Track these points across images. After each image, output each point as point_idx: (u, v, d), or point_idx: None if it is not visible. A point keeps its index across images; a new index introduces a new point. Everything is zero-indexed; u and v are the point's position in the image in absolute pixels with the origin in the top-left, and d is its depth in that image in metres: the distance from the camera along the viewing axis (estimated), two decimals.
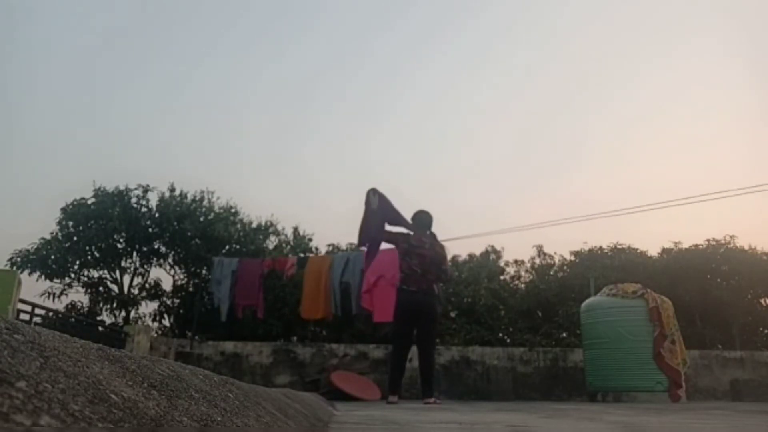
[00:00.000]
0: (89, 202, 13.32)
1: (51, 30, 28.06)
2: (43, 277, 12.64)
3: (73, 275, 13.19)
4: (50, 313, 8.52)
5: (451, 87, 32.80)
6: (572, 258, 17.63)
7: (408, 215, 5.72)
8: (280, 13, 31.54)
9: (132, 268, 13.83)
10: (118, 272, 13.65)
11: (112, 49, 29.79)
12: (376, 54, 32.45)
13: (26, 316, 7.04)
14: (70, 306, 13.10)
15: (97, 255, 13.16)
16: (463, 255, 18.85)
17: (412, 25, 32.61)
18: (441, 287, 5.39)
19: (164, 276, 15.64)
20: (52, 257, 12.65)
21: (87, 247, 12.95)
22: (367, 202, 5.89)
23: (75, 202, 13.29)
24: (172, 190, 14.31)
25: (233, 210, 14.49)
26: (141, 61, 30.52)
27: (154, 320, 14.00)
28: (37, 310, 7.43)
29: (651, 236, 27.73)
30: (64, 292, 13.06)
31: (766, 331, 16.15)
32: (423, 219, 5.52)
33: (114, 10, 28.72)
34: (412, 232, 5.50)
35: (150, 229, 13.62)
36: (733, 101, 29.91)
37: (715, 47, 30.14)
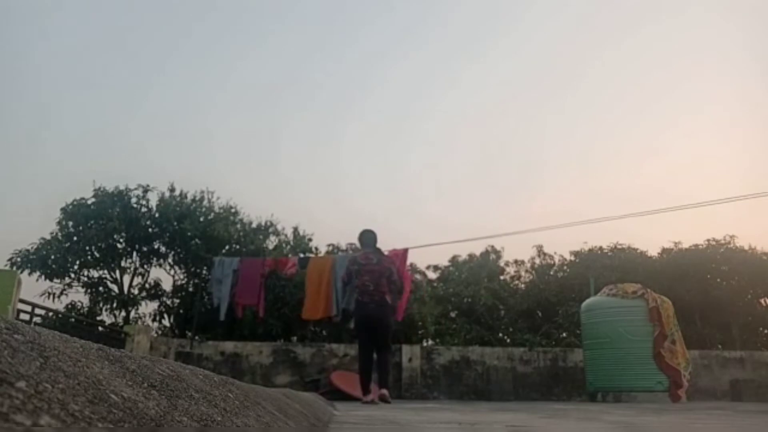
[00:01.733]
0: (89, 202, 13.31)
1: (49, 32, 28.07)
2: (43, 277, 12.63)
3: (73, 275, 13.18)
4: (50, 313, 8.53)
5: (424, 88, 32.91)
6: (572, 258, 17.63)
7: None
8: (274, 14, 31.57)
9: (132, 268, 13.82)
10: (118, 272, 13.64)
11: (113, 51, 29.81)
12: (346, 60, 32.52)
13: (26, 316, 7.04)
14: (70, 306, 13.09)
15: (97, 255, 13.15)
16: (463, 255, 18.90)
17: (392, 26, 32.70)
18: (396, 297, 5.92)
19: (164, 276, 15.64)
20: (52, 257, 12.64)
21: (87, 247, 12.94)
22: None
23: (75, 202, 13.27)
24: (172, 190, 14.30)
25: (233, 210, 14.48)
26: (143, 62, 30.54)
27: (154, 320, 14.00)
28: (37, 310, 7.43)
29: (651, 236, 27.77)
30: (64, 292, 13.06)
31: (766, 331, 16.14)
32: (368, 238, 6.07)
33: (122, 11, 28.75)
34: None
35: (150, 229, 13.60)
36: (730, 99, 29.95)
37: (711, 42, 30.16)
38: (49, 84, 29.49)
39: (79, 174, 29.22)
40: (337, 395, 9.92)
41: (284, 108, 32.28)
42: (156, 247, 13.86)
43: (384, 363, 5.80)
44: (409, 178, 32.04)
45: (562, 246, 23.72)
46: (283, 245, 14.62)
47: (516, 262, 18.45)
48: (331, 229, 29.37)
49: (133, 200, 13.62)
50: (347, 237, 15.41)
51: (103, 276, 13.58)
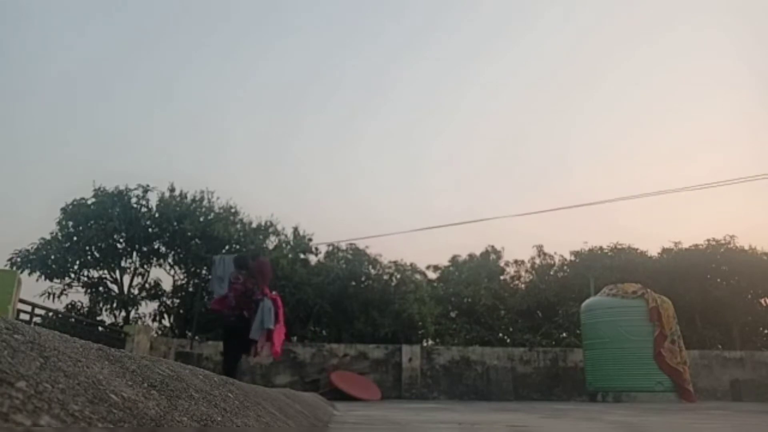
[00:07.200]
0: (89, 202, 13.29)
1: (50, 34, 28.07)
2: (43, 277, 12.62)
3: (73, 275, 13.17)
4: (50, 313, 8.51)
5: (441, 87, 32.96)
6: (572, 258, 17.63)
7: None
8: (273, 15, 31.58)
9: (132, 268, 13.81)
10: (118, 272, 13.63)
11: (111, 53, 29.80)
12: (366, 57, 32.70)
13: (26, 316, 7.03)
14: (70, 306, 13.08)
15: (97, 255, 13.14)
16: (464, 255, 18.90)
17: (404, 27, 32.81)
18: (263, 309, 6.70)
19: (164, 276, 15.62)
20: (52, 257, 12.63)
21: (87, 247, 12.93)
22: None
23: (75, 202, 13.26)
24: (172, 190, 14.28)
25: (233, 210, 14.46)
26: (141, 64, 30.52)
27: (154, 320, 13.99)
28: (37, 310, 7.42)
29: (651, 236, 27.77)
30: (64, 292, 13.04)
31: (766, 331, 16.15)
32: (239, 261, 7.04)
33: (116, 17, 28.75)
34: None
35: (150, 229, 13.59)
36: (732, 100, 29.94)
37: (715, 43, 30.17)
38: (50, 86, 29.48)
39: (81, 174, 29.25)
40: (337, 395, 9.92)
41: (301, 107, 32.45)
42: (156, 247, 13.84)
43: (229, 367, 6.63)
44: (424, 176, 32.19)
45: (563, 246, 23.75)
46: (283, 245, 14.61)
47: (516, 262, 18.45)
48: (339, 226, 29.30)
49: (133, 200, 13.60)
50: (355, 233, 15.43)
51: (103, 276, 13.57)
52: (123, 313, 13.40)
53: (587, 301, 11.09)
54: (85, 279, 13.39)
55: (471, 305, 16.32)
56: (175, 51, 31.72)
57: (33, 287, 12.50)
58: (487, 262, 18.21)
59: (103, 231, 12.84)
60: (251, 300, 6.54)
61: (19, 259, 12.48)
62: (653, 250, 17.00)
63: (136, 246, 13.58)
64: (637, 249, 17.17)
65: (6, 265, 12.16)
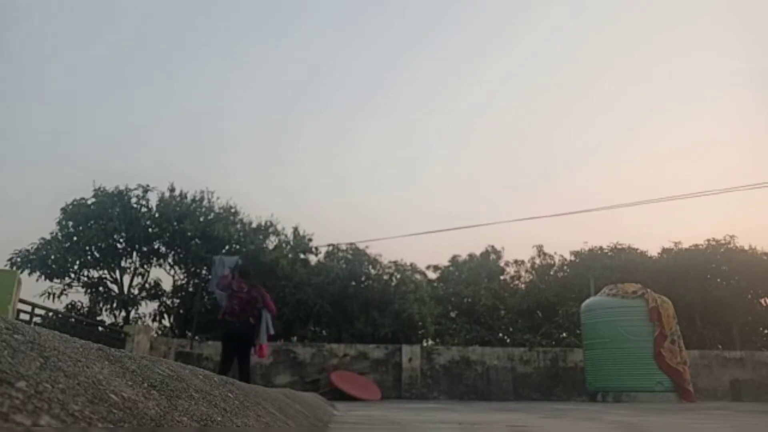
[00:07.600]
0: (89, 202, 13.29)
1: (51, 34, 28.08)
2: (43, 277, 12.62)
3: (73, 275, 13.17)
4: (50, 313, 8.52)
5: (442, 87, 33.00)
6: (572, 258, 17.63)
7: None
8: (273, 16, 31.59)
9: (132, 268, 13.81)
10: (118, 272, 13.63)
11: (112, 53, 29.81)
12: (366, 57, 32.78)
13: (26, 316, 7.03)
14: (70, 306, 13.08)
15: (97, 255, 13.14)
16: (464, 255, 18.91)
17: (405, 27, 32.84)
18: (261, 319, 6.96)
19: (164, 276, 15.63)
20: (52, 257, 12.63)
21: (87, 247, 12.93)
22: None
23: (75, 202, 13.26)
24: (172, 190, 14.28)
25: (233, 210, 14.46)
26: (140, 65, 30.53)
27: (154, 320, 13.99)
28: (37, 310, 7.42)
29: (651, 236, 27.78)
30: (64, 292, 13.05)
31: (766, 331, 16.15)
32: (244, 270, 7.27)
33: (114, 19, 28.76)
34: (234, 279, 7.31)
35: (150, 229, 13.59)
36: (732, 100, 29.95)
37: (715, 43, 30.17)
38: (51, 86, 29.49)
39: (81, 174, 29.25)
40: (337, 395, 9.93)
41: (302, 107, 32.52)
42: (156, 247, 13.84)
43: (246, 373, 6.88)
44: (424, 176, 32.26)
45: (562, 246, 23.77)
46: (283, 245, 14.60)
47: (516, 262, 18.46)
48: (340, 226, 29.29)
49: (133, 200, 13.60)
50: (355, 233, 15.42)
51: (103, 276, 13.57)
52: (123, 313, 13.40)
53: (587, 301, 11.09)
54: (85, 279, 13.39)
55: (471, 305, 16.33)
56: (176, 51, 31.75)
57: (33, 287, 12.52)
58: (487, 262, 18.21)
59: (103, 231, 12.84)
60: (255, 308, 6.88)
61: (19, 259, 12.48)
62: (653, 250, 17.02)
63: (136, 246, 13.58)
64: (637, 249, 17.17)
65: (6, 265, 12.17)
